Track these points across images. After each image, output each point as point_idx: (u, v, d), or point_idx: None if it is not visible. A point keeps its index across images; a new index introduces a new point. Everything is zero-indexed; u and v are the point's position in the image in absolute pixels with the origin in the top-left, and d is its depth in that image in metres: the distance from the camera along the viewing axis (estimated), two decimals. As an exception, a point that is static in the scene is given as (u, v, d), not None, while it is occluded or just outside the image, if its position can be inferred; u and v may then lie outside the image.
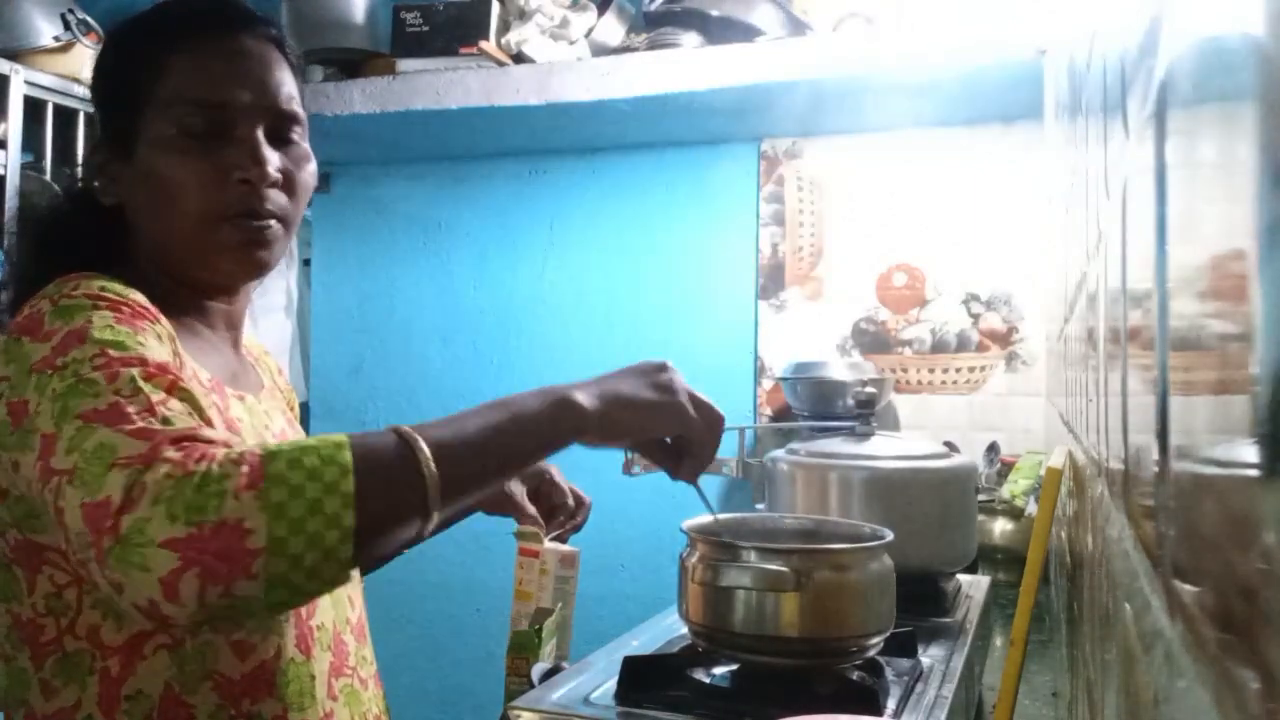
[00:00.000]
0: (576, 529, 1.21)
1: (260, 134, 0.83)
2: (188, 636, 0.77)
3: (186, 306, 0.87)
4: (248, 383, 0.92)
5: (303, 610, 0.85)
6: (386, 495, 0.66)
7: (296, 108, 0.86)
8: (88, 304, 0.74)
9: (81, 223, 0.86)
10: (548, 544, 1.19)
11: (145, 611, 0.61)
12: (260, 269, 0.86)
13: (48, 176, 2.10)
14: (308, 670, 0.84)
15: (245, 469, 0.62)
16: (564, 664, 1.05)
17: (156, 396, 0.68)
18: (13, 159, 2.02)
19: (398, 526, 0.68)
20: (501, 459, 0.74)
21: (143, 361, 0.70)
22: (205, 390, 0.82)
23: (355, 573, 0.97)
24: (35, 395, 0.69)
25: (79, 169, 0.96)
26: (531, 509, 1.16)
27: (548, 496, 1.18)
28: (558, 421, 0.75)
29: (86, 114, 2.19)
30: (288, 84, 0.86)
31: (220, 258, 0.83)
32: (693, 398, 0.82)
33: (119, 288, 0.77)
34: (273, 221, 0.84)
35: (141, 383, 0.68)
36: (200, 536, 0.60)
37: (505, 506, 1.14)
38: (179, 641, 0.77)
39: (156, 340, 0.75)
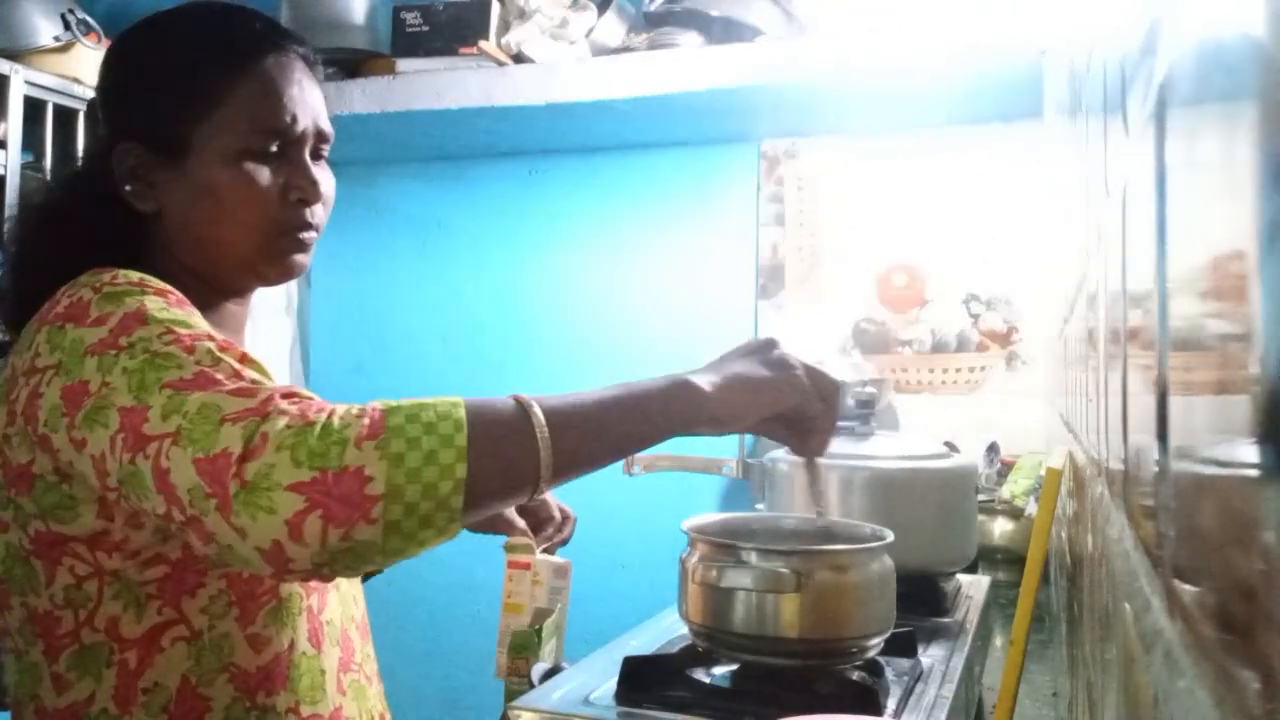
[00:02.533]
0: (563, 542, 1.22)
1: (308, 155, 0.89)
2: (205, 629, 0.78)
3: (201, 308, 0.87)
4: None
5: (314, 604, 0.86)
6: (499, 453, 0.68)
7: (329, 127, 0.91)
8: (135, 290, 0.76)
9: (107, 221, 0.87)
10: (539, 555, 1.19)
11: (268, 555, 0.63)
12: (298, 273, 0.91)
13: (48, 176, 2.10)
14: (319, 664, 0.85)
15: (366, 421, 0.65)
16: (564, 664, 1.05)
17: (236, 365, 0.70)
18: (13, 159, 2.02)
19: (506, 487, 0.70)
20: (619, 434, 0.75)
21: (209, 335, 0.72)
22: None
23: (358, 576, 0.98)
24: (98, 375, 0.70)
25: (87, 166, 0.94)
26: (521, 523, 1.17)
27: (534, 511, 1.19)
28: (677, 400, 0.77)
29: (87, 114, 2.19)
30: (323, 104, 0.91)
31: (270, 266, 0.88)
32: (808, 370, 0.84)
33: (154, 279, 0.79)
34: (315, 233, 0.90)
35: (219, 353, 0.70)
36: (324, 480, 0.63)
37: (494, 523, 1.15)
38: (196, 634, 0.78)
39: (204, 324, 0.76)
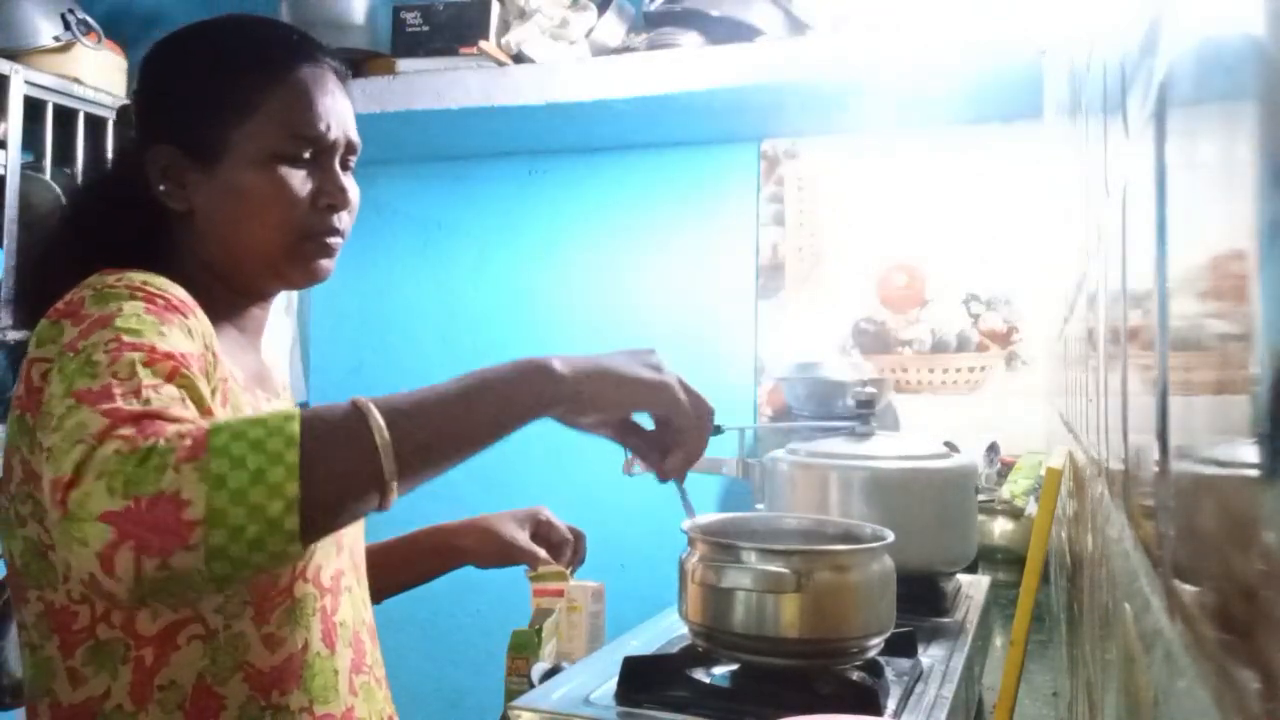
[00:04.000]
0: (581, 563, 1.21)
1: (337, 163, 0.91)
2: (221, 628, 0.79)
3: (224, 310, 0.90)
4: (272, 387, 0.95)
5: (327, 605, 0.87)
6: (336, 464, 0.65)
7: (358, 139, 0.93)
8: (125, 294, 0.76)
9: (133, 223, 0.88)
10: (575, 582, 1.18)
11: (88, 586, 0.62)
12: (323, 278, 0.93)
13: (48, 176, 2.10)
14: (331, 665, 0.86)
15: (188, 442, 0.62)
16: (564, 664, 1.05)
17: (150, 381, 0.68)
18: (13, 159, 2.02)
19: (351, 497, 0.66)
20: (469, 425, 0.72)
21: (152, 348, 0.71)
22: (242, 388, 0.85)
23: (365, 579, 0.98)
24: (56, 376, 0.71)
25: (117, 168, 0.96)
26: (541, 551, 1.15)
27: (545, 537, 1.18)
28: (528, 386, 0.74)
29: (87, 114, 2.19)
30: (352, 116, 0.94)
31: (295, 268, 0.90)
32: (684, 385, 0.81)
33: (161, 281, 0.79)
34: (340, 239, 0.92)
35: (140, 367, 0.69)
36: (136, 510, 0.60)
37: (512, 555, 1.14)
38: (212, 632, 0.79)
39: (184, 334, 0.76)
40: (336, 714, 0.85)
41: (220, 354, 0.83)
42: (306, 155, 0.88)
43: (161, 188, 0.87)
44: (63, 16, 2.16)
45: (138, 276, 0.79)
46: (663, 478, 0.85)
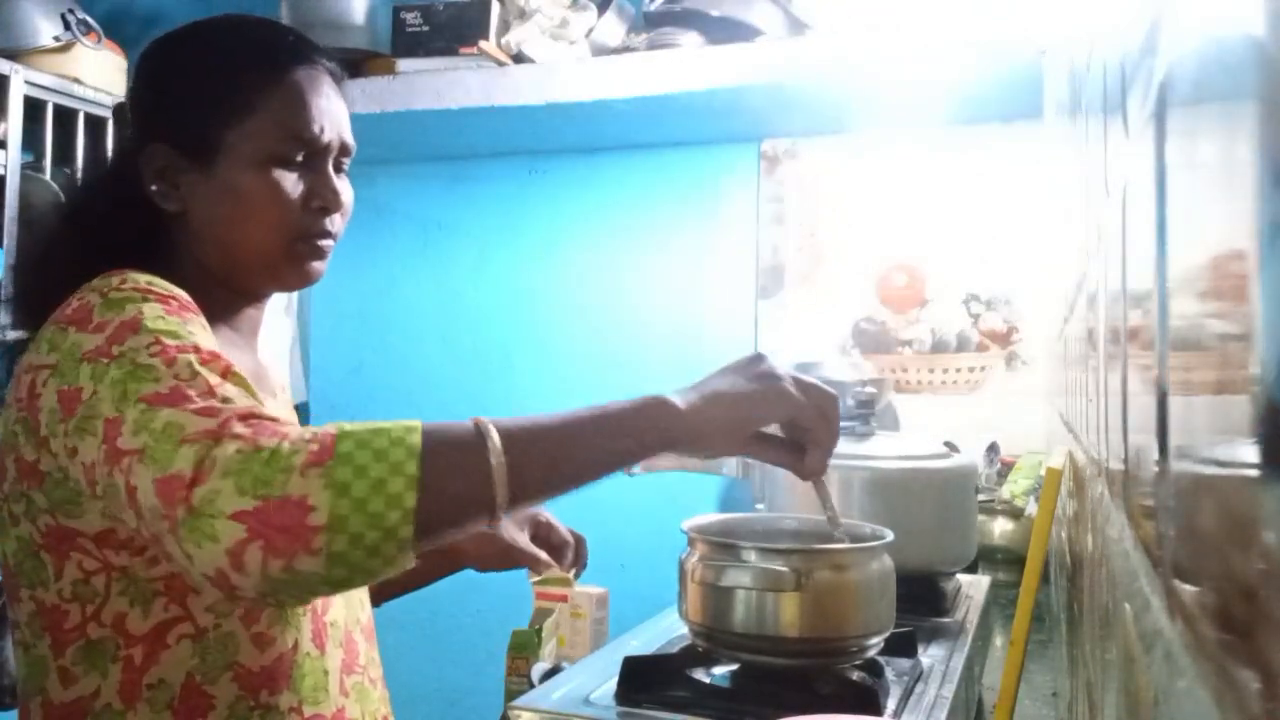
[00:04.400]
0: (583, 568, 1.20)
1: (331, 165, 0.91)
2: (210, 628, 0.79)
3: (220, 310, 0.90)
4: (269, 387, 0.95)
5: (317, 605, 0.87)
6: (453, 482, 0.67)
7: (352, 141, 0.94)
8: (138, 297, 0.76)
9: (130, 223, 0.88)
10: (579, 588, 1.16)
11: (215, 582, 0.63)
12: (315, 280, 0.93)
13: (48, 176, 2.10)
14: (322, 665, 0.85)
15: (315, 446, 0.64)
16: (564, 664, 1.05)
17: (214, 380, 0.70)
18: (13, 159, 2.02)
19: (461, 515, 0.68)
20: (585, 459, 0.73)
21: (197, 349, 0.72)
22: None
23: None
24: (91, 383, 0.71)
25: (114, 167, 0.95)
26: (543, 554, 1.15)
27: (546, 539, 1.17)
28: (649, 422, 0.74)
29: (87, 114, 2.19)
30: (347, 119, 0.94)
31: (289, 269, 0.90)
32: (798, 381, 0.79)
33: (163, 283, 0.80)
34: (332, 241, 0.93)
35: (199, 367, 0.70)
36: (265, 510, 0.61)
37: (512, 558, 1.13)
38: (202, 632, 0.79)
39: (203, 330, 0.77)
40: (327, 715, 0.85)
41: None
42: (300, 157, 0.88)
43: (154, 188, 0.87)
44: (63, 16, 2.16)
45: (141, 278, 0.79)
46: (804, 478, 0.84)
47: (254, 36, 0.91)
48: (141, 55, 0.93)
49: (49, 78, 2.10)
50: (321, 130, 0.88)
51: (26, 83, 2.05)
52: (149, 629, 0.77)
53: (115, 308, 0.75)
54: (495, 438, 0.68)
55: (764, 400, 0.77)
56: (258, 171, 0.86)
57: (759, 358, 0.81)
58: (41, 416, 0.74)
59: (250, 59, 0.88)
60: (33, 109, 2.07)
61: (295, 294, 2.67)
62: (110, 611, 0.77)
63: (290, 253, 0.89)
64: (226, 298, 0.91)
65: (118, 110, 0.93)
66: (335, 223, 0.92)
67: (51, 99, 2.11)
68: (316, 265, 0.92)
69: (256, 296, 0.95)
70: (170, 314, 0.75)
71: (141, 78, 0.92)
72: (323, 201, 0.89)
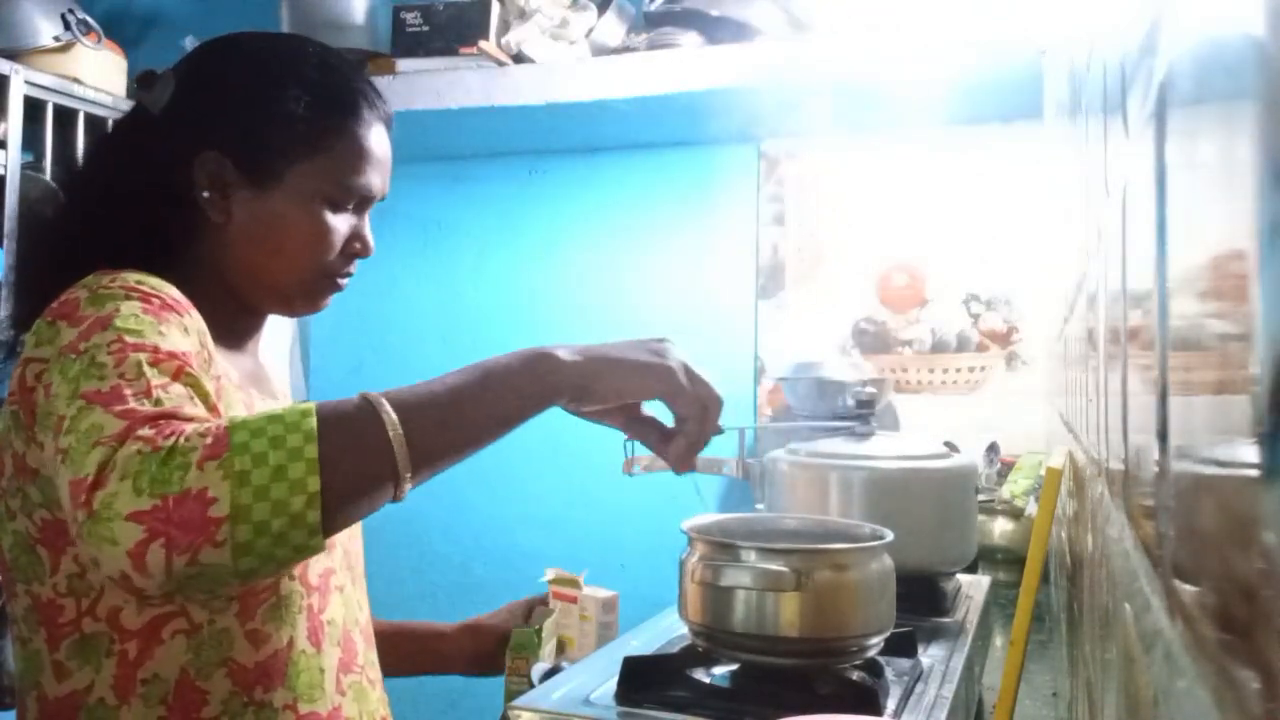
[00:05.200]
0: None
1: (368, 215, 0.94)
2: (205, 623, 0.79)
3: (222, 316, 0.90)
4: (269, 389, 0.97)
5: (314, 604, 0.87)
6: (353, 459, 0.67)
7: (388, 190, 0.97)
8: (120, 294, 0.77)
9: (134, 218, 0.88)
10: (587, 591, 1.17)
11: (119, 584, 0.63)
12: (319, 310, 0.96)
13: (48, 176, 2.10)
14: (318, 663, 0.85)
15: (209, 440, 0.64)
16: (564, 664, 1.05)
17: (158, 380, 0.70)
18: (13, 159, 2.02)
19: (367, 491, 0.68)
20: (478, 417, 0.73)
21: (154, 348, 0.72)
22: (235, 386, 0.86)
23: (363, 579, 0.98)
24: (58, 378, 0.72)
25: (140, 161, 0.91)
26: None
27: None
28: (532, 375, 0.75)
29: (87, 114, 2.19)
30: (391, 165, 0.97)
31: (304, 302, 0.93)
32: (689, 371, 0.79)
33: (155, 281, 0.80)
34: (349, 280, 0.96)
35: (147, 367, 0.70)
36: (164, 508, 0.62)
37: (498, 665, 1.13)
38: (196, 627, 0.79)
39: (181, 332, 0.77)
40: (322, 713, 0.85)
41: (214, 351, 0.84)
42: (351, 205, 0.91)
43: (206, 194, 0.88)
44: (63, 16, 2.16)
45: (132, 276, 0.79)
46: (669, 465, 0.84)
47: (330, 73, 0.92)
48: (208, 46, 0.92)
49: (49, 78, 2.10)
50: (375, 183, 0.92)
51: (26, 83, 2.05)
52: (143, 624, 0.77)
53: (96, 304, 0.76)
54: (389, 409, 0.69)
55: (648, 372, 0.77)
56: (312, 209, 0.88)
57: (662, 340, 0.81)
58: (33, 411, 0.75)
59: (327, 98, 0.90)
60: (33, 109, 2.07)
61: (295, 294, 2.68)
62: (105, 606, 0.77)
63: (313, 288, 0.92)
64: (234, 310, 0.92)
65: (144, 79, 0.92)
66: (354, 264, 0.95)
67: (51, 99, 2.10)
68: (327, 300, 0.95)
69: (262, 314, 0.97)
70: (147, 312, 0.75)
71: (209, 74, 0.91)
72: (362, 248, 0.93)
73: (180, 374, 0.72)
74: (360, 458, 0.67)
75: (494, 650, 1.17)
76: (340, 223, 0.91)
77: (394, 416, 0.68)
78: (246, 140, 0.88)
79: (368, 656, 0.94)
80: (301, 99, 0.89)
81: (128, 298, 0.76)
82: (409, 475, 0.69)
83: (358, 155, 0.90)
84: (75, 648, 0.78)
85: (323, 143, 0.88)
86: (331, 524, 0.65)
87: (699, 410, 0.79)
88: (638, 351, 0.79)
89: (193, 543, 0.61)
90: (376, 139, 0.93)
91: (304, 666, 0.84)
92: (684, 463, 0.82)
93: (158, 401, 0.68)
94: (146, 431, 0.65)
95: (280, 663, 0.82)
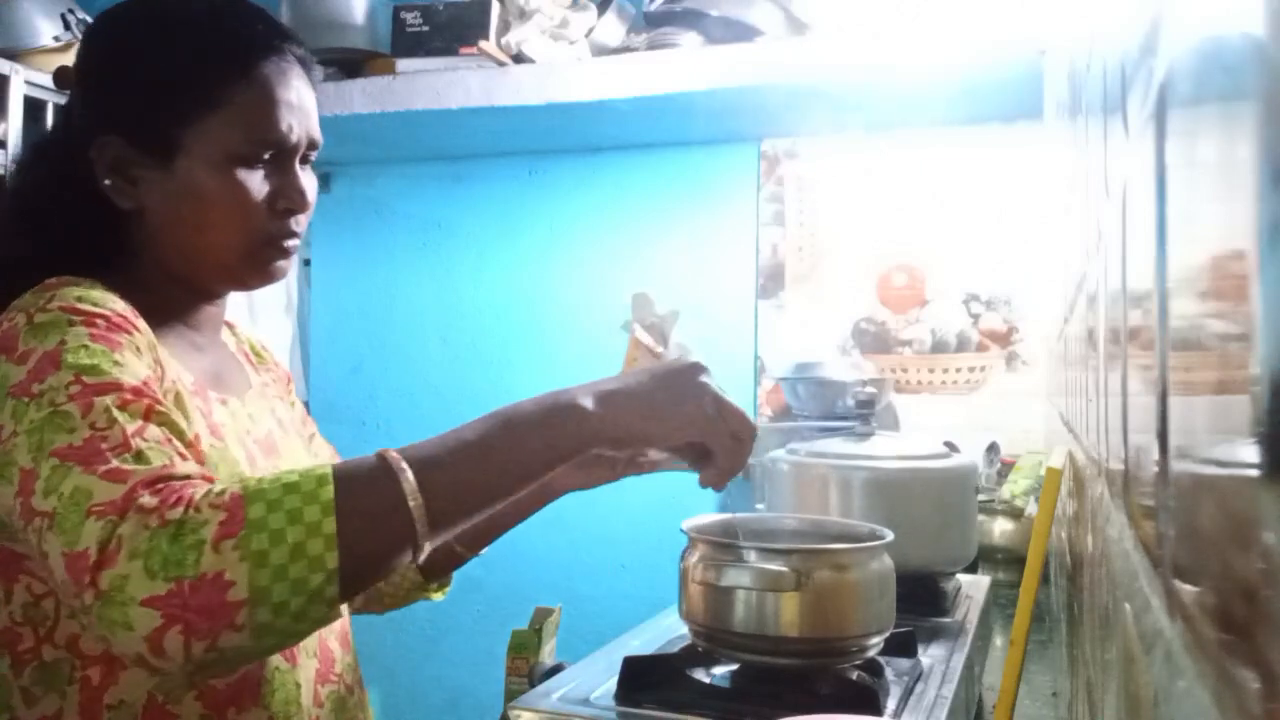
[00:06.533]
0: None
1: (297, 164, 0.86)
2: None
3: (177, 310, 0.86)
4: (232, 385, 0.91)
5: None
6: (371, 531, 0.65)
7: (319, 135, 0.88)
8: (63, 319, 0.72)
9: (82, 218, 0.83)
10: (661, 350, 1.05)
11: (138, 664, 0.61)
12: (279, 279, 0.89)
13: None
14: (293, 678, 0.82)
15: (223, 515, 0.61)
16: (564, 664, 1.05)
17: (132, 426, 0.67)
18: (12, 159, 2.02)
19: (385, 560, 0.67)
20: (497, 476, 0.70)
21: (118, 387, 0.69)
22: (190, 393, 0.81)
23: None
24: (11, 423, 0.68)
25: (58, 153, 0.87)
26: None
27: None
28: (560, 430, 0.72)
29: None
30: (315, 110, 0.88)
31: (252, 273, 0.86)
32: (718, 402, 0.77)
33: (96, 295, 0.75)
34: (297, 240, 0.87)
35: (116, 412, 0.67)
36: (180, 593, 0.59)
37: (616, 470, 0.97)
38: None
39: (134, 353, 0.73)
40: None
41: (167, 358, 0.80)
42: (266, 157, 0.83)
43: (108, 182, 0.82)
44: (63, 16, 2.16)
45: (71, 293, 0.75)
46: (701, 486, 0.82)
47: (218, 21, 0.84)
48: (91, 27, 0.87)
49: (49, 78, 2.10)
50: (290, 129, 0.83)
51: (26, 83, 2.05)
52: (104, 649, 0.74)
53: (39, 335, 0.71)
54: (409, 475, 0.66)
55: (677, 418, 0.75)
56: (220, 172, 0.81)
57: (692, 368, 0.77)
58: None
59: (214, 48, 0.82)
60: (33, 109, 2.07)
61: (295, 294, 2.67)
62: (63, 633, 0.75)
63: (255, 257, 0.85)
64: (184, 297, 0.87)
65: (60, 75, 0.88)
66: (301, 222, 0.87)
67: (51, 99, 2.10)
68: (281, 265, 0.87)
69: (215, 295, 0.90)
70: (96, 339, 0.71)
71: (92, 55, 0.85)
72: (289, 204, 0.84)
73: (151, 414, 0.68)
74: (379, 528, 0.65)
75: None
76: (256, 180, 0.82)
77: (413, 482, 0.66)
78: (135, 113, 0.81)
79: (346, 662, 0.91)
80: (187, 55, 0.81)
81: (70, 323, 0.72)
82: (426, 539, 0.67)
83: (262, 103, 0.81)
84: (38, 675, 0.75)
85: (218, 96, 0.80)
86: (348, 594, 0.64)
87: (732, 443, 0.77)
88: (664, 390, 0.75)
89: (212, 629, 0.59)
90: (283, 81, 0.83)
91: (279, 683, 0.80)
92: (718, 486, 0.81)
93: (139, 454, 0.65)
94: (148, 501, 0.62)
95: (253, 681, 0.78)
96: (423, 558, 0.68)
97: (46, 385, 0.68)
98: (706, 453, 0.78)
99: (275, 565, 0.60)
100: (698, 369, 0.78)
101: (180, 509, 0.61)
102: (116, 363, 0.71)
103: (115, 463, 0.64)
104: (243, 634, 0.60)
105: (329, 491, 0.63)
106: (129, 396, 0.68)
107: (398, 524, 0.66)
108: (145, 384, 0.71)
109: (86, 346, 0.70)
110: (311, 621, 0.63)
